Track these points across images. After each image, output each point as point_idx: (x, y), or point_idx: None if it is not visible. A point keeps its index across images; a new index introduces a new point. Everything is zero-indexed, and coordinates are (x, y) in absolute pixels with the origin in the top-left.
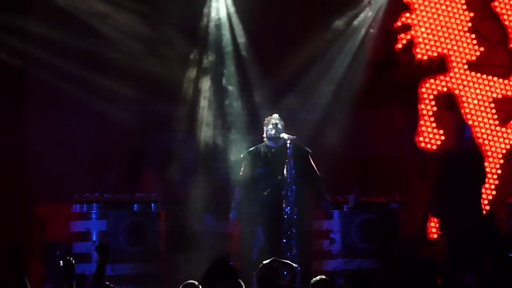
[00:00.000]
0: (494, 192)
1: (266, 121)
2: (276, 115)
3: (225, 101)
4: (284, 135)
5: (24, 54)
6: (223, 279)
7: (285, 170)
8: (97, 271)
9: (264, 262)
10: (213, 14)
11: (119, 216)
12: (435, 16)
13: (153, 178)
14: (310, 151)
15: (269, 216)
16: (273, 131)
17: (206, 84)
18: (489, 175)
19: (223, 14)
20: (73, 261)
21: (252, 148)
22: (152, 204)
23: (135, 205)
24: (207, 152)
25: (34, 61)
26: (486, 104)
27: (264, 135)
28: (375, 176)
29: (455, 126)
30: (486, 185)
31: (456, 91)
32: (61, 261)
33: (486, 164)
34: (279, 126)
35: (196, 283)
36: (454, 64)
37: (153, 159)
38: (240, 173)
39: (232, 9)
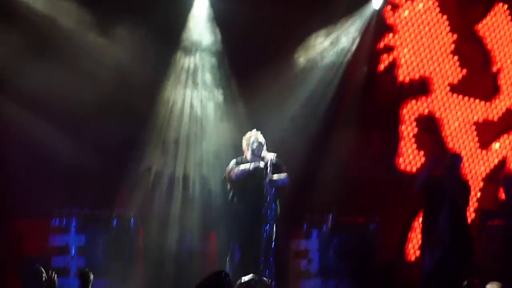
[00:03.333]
0: (473, 215)
1: (248, 136)
2: (258, 132)
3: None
4: (266, 153)
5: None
6: None
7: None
8: None
9: (242, 279)
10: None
11: (98, 231)
12: (418, 37)
13: (131, 194)
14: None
15: (249, 233)
16: (260, 148)
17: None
18: None
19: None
20: (56, 279)
21: (238, 158)
22: (132, 220)
23: (115, 220)
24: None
25: None
26: (467, 126)
27: (247, 150)
28: (354, 196)
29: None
30: None
31: (438, 114)
32: (43, 276)
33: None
34: (263, 143)
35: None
36: (436, 86)
37: (133, 175)
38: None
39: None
